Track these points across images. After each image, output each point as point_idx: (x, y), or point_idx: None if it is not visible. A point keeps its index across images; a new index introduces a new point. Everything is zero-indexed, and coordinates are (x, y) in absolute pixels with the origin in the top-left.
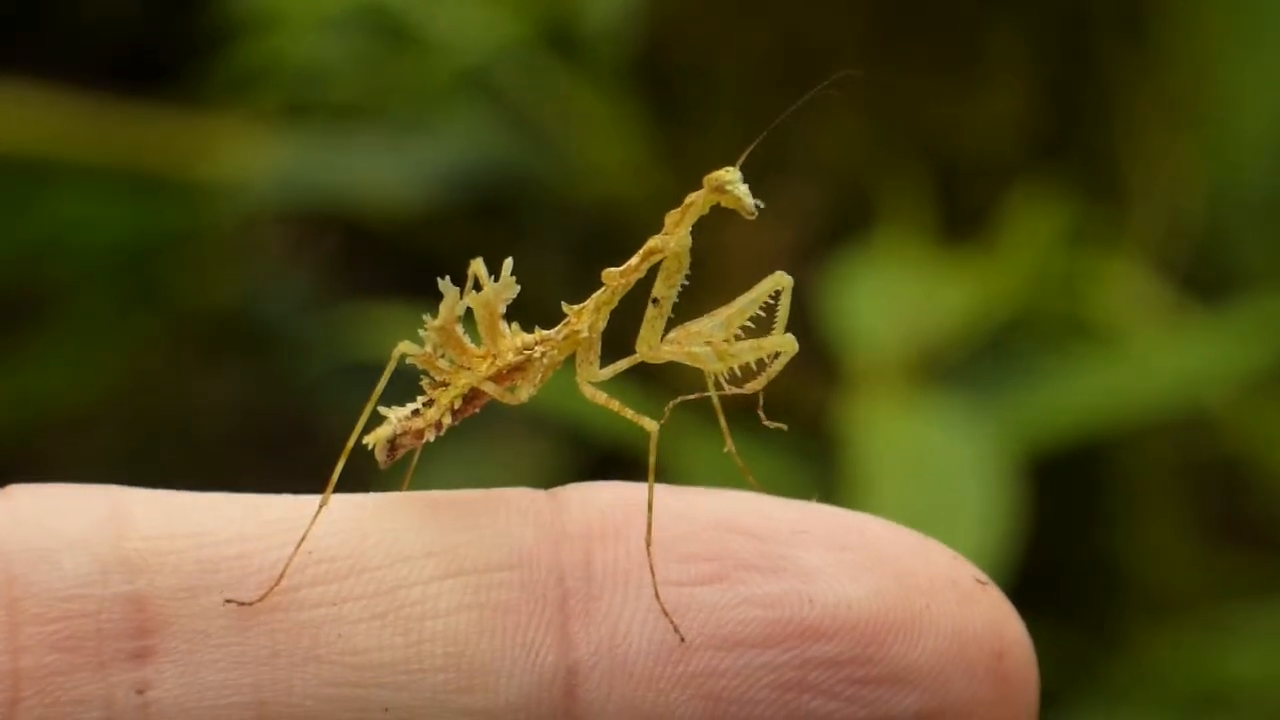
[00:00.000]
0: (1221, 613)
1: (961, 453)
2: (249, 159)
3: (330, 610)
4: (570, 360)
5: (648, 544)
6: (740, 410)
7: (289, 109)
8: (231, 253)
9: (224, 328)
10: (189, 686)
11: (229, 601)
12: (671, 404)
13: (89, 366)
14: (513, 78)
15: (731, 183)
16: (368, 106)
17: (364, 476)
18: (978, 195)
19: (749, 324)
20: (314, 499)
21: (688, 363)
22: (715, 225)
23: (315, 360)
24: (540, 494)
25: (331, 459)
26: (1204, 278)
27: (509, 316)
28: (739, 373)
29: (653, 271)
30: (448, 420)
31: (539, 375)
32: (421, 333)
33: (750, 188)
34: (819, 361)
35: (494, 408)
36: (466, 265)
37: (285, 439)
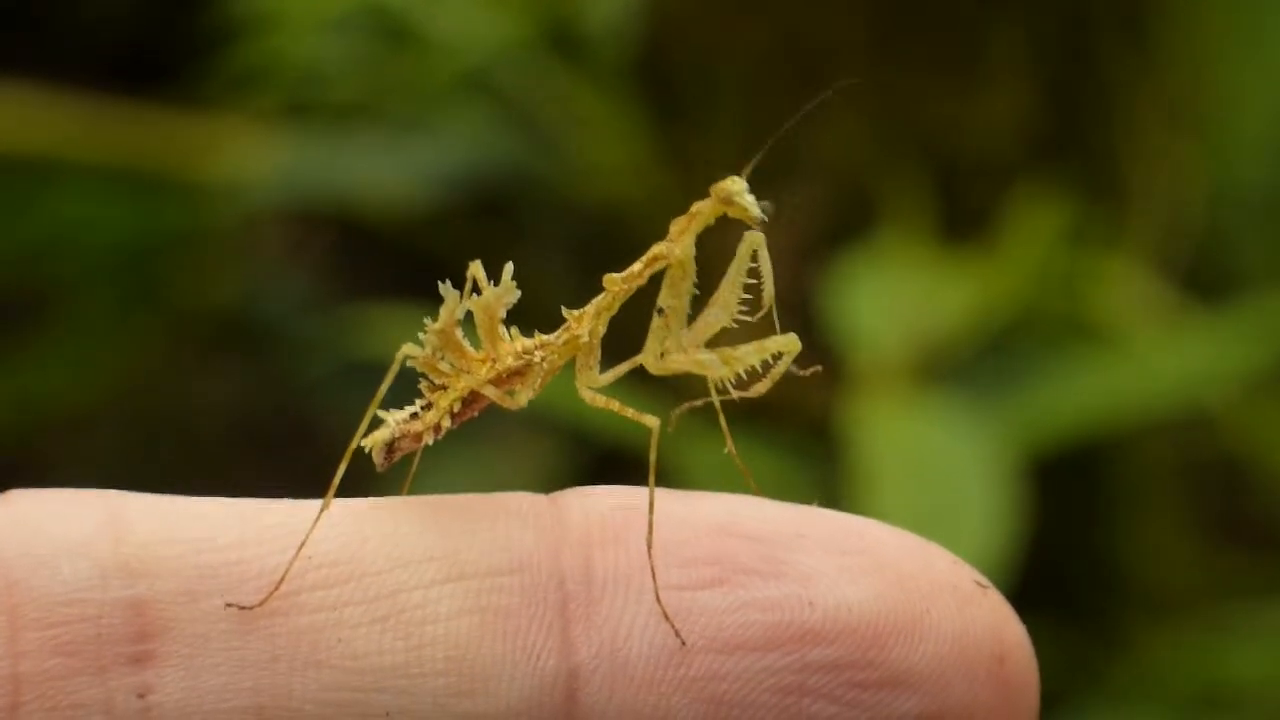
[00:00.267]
0: (1222, 612)
1: (963, 453)
2: (249, 159)
3: (330, 615)
4: (571, 361)
5: (648, 545)
6: (742, 412)
7: (289, 109)
8: (232, 253)
9: (224, 328)
10: (189, 691)
11: (229, 606)
12: (677, 412)
13: (89, 366)
14: (513, 78)
15: (739, 193)
16: (368, 106)
17: (364, 480)
18: (978, 195)
19: (746, 296)
20: (314, 503)
21: (694, 371)
22: (718, 227)
23: (315, 360)
24: (541, 498)
25: (331, 459)
26: (1204, 278)
27: (509, 319)
28: (744, 376)
29: (655, 279)
30: (446, 423)
31: (538, 379)
32: (421, 335)
33: (753, 189)
34: (821, 361)
35: (495, 408)
36: (467, 266)
37: (285, 439)
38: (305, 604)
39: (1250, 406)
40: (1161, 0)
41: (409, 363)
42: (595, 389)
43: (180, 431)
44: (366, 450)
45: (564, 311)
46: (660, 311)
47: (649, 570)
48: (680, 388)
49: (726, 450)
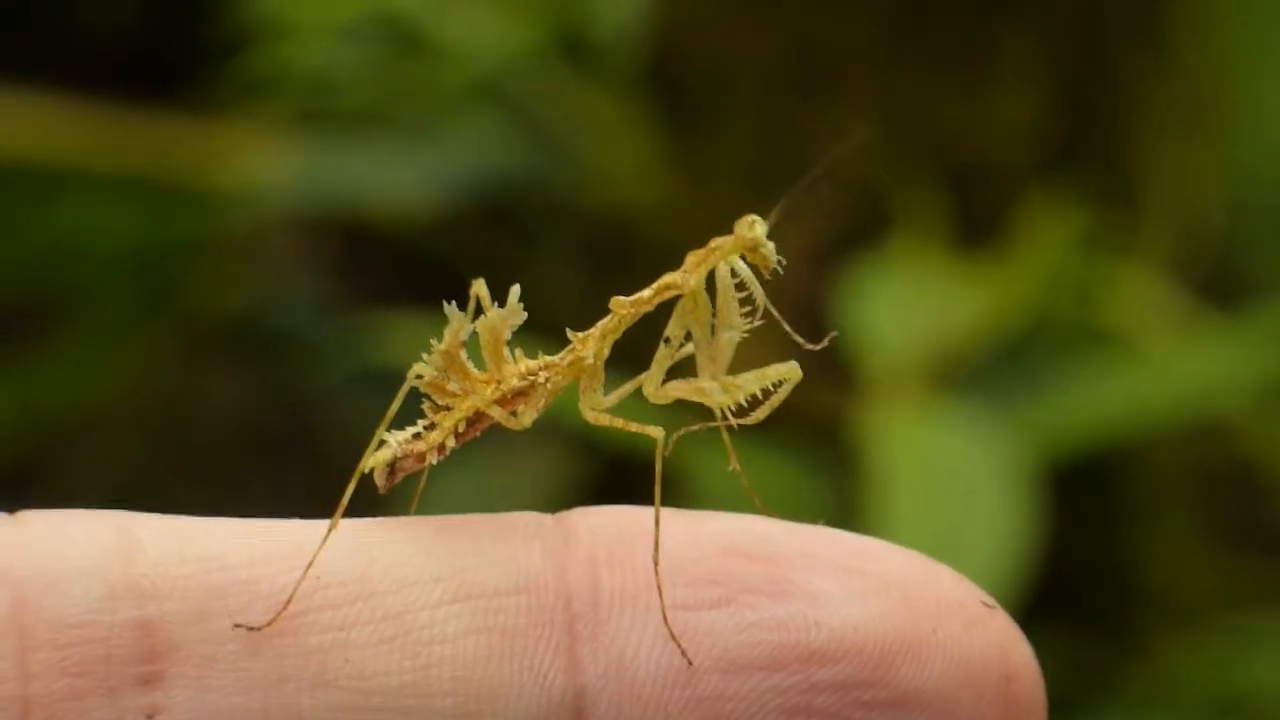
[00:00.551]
0: (1239, 619)
1: (978, 460)
2: (261, 166)
3: (338, 635)
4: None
5: (655, 561)
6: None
7: (301, 116)
8: (242, 259)
9: (234, 334)
10: (198, 711)
11: (237, 626)
12: (675, 435)
13: (99, 372)
14: (524, 84)
15: (763, 243)
16: (379, 113)
17: (372, 499)
18: (993, 201)
19: (745, 309)
20: (323, 523)
21: (694, 399)
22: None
23: (325, 367)
24: (547, 518)
25: (340, 465)
26: (1220, 284)
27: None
28: (745, 402)
29: (664, 307)
30: (451, 443)
31: (542, 400)
32: (426, 356)
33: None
34: (835, 369)
35: (498, 426)
36: (477, 272)
37: (295, 445)
38: (313, 624)
39: (1266, 413)
40: (1176, 4)
41: (415, 383)
42: (599, 410)
43: (190, 437)
44: (367, 471)
45: (569, 333)
46: (667, 341)
47: (656, 590)
48: (684, 401)
49: (731, 468)
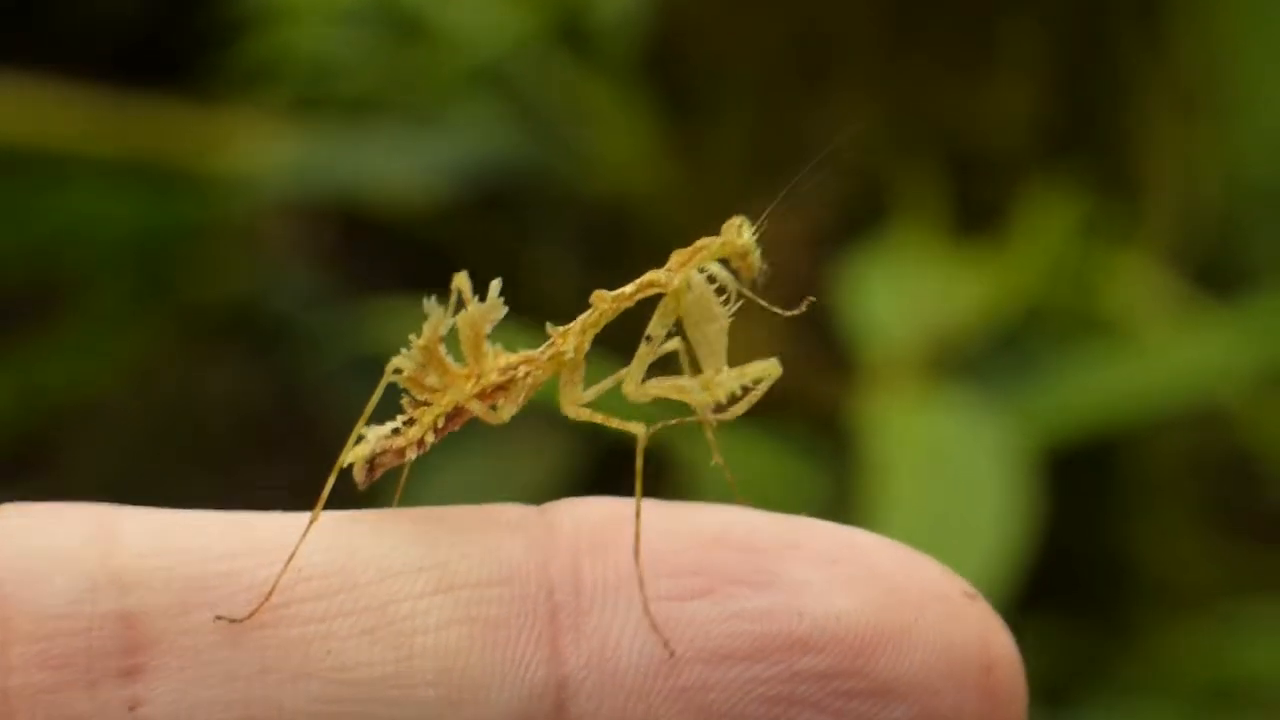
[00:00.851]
0: (1235, 607)
1: (976, 447)
2: (259, 153)
3: (320, 627)
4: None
5: (636, 554)
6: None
7: (300, 103)
8: (241, 246)
9: (233, 321)
10: (180, 703)
11: (219, 618)
12: (653, 428)
13: (98, 359)
14: (523, 72)
15: (751, 249)
16: (378, 101)
17: (355, 492)
18: (991, 189)
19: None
20: (304, 515)
21: (674, 397)
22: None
23: (323, 354)
24: (530, 509)
25: (337, 454)
26: (1218, 272)
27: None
28: (724, 400)
29: (647, 304)
30: (430, 438)
31: (522, 395)
32: (404, 350)
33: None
34: (833, 356)
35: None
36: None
37: (292, 432)
38: (295, 616)
39: (1263, 401)
40: None
41: (394, 378)
42: (579, 404)
43: (188, 424)
44: (346, 466)
45: (548, 328)
46: (648, 339)
47: (638, 580)
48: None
49: (714, 463)
